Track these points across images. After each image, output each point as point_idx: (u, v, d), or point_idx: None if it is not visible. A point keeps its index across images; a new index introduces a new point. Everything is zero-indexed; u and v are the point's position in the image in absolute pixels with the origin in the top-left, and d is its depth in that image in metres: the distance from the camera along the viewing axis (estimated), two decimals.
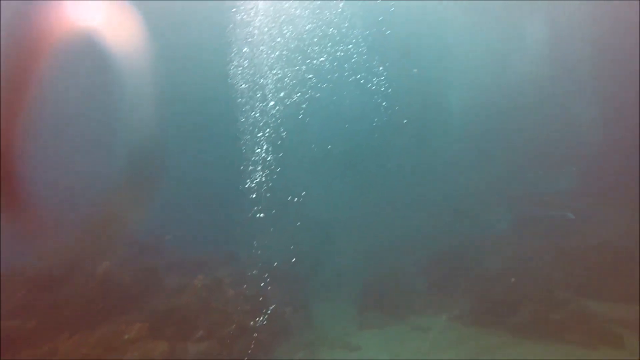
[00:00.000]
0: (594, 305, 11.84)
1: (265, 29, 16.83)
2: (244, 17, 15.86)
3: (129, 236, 12.90)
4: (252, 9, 15.89)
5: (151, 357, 8.19)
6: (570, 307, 11.15)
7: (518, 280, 13.34)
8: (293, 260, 18.40)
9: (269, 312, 12.02)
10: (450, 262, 16.22)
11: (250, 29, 16.16)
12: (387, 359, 11.19)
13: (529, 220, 18.16)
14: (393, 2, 22.29)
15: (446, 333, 12.48)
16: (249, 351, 10.40)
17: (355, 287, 17.55)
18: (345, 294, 17.78)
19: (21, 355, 8.01)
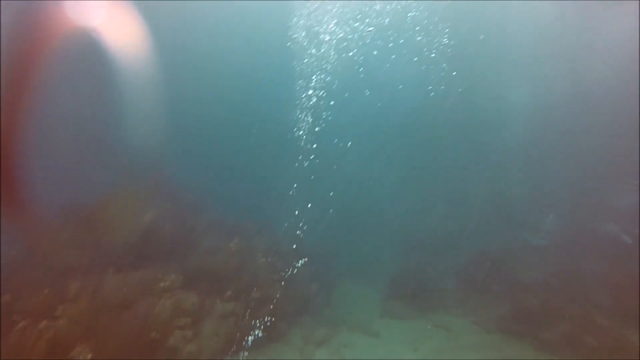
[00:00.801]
0: (635, 337, 11.11)
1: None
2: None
3: (176, 194, 13.63)
4: None
5: (181, 306, 8.74)
6: (610, 334, 10.48)
7: (557, 296, 12.68)
8: (326, 239, 18.68)
9: (295, 284, 12.34)
10: (486, 265, 15.68)
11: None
12: (403, 350, 11.19)
13: (580, 233, 17.04)
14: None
15: (469, 336, 12.24)
16: (272, 318, 10.82)
17: (384, 275, 17.55)
18: (374, 280, 17.83)
19: (70, 288, 8.79)
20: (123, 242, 9.75)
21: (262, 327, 10.17)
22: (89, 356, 7.41)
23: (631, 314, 12.34)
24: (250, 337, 9.71)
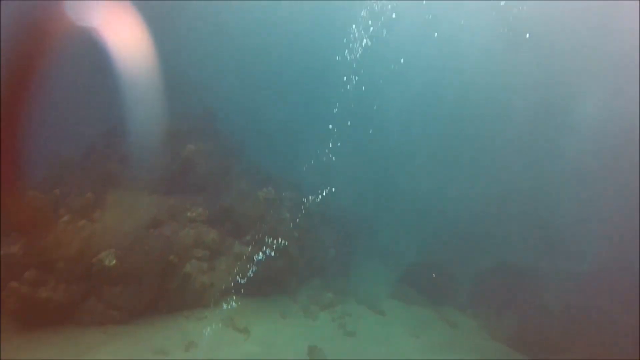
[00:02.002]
0: None
1: None
2: None
3: (219, 135, 14.09)
4: None
5: (201, 238, 9.23)
6: None
7: (572, 327, 12.10)
8: (355, 212, 18.73)
9: (314, 246, 12.57)
10: (508, 277, 15.16)
11: None
12: (403, 333, 11.24)
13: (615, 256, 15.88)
14: None
15: (473, 338, 12.05)
16: (286, 272, 11.18)
17: (403, 259, 17.47)
18: (392, 262, 17.82)
19: (109, 197, 9.51)
20: (162, 168, 10.31)
21: (273, 277, 10.55)
22: (113, 262, 8.08)
23: None
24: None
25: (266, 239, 10.47)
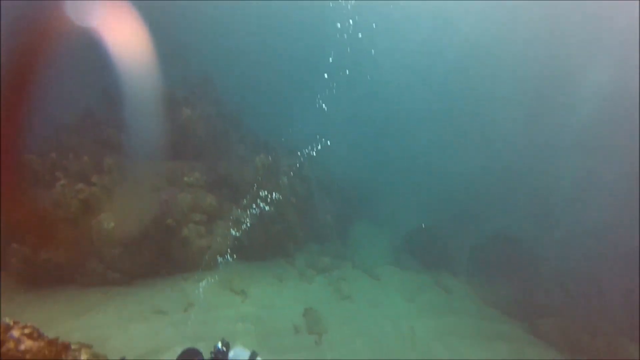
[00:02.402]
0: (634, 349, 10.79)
1: None
2: None
3: (218, 100, 13.85)
4: None
5: (199, 203, 9.27)
6: (606, 339, 10.17)
7: (565, 292, 12.36)
8: (355, 178, 18.72)
9: (312, 211, 12.64)
10: (506, 247, 15.30)
11: None
12: (398, 297, 11.48)
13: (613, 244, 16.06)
14: None
15: (465, 302, 12.34)
16: (284, 237, 11.31)
17: (402, 227, 17.62)
18: (390, 229, 17.99)
19: (106, 162, 9.48)
20: (160, 133, 10.20)
21: (270, 241, 10.68)
22: (112, 225, 8.18)
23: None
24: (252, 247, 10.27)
25: (263, 204, 10.52)
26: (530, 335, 10.88)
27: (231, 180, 10.11)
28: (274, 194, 10.62)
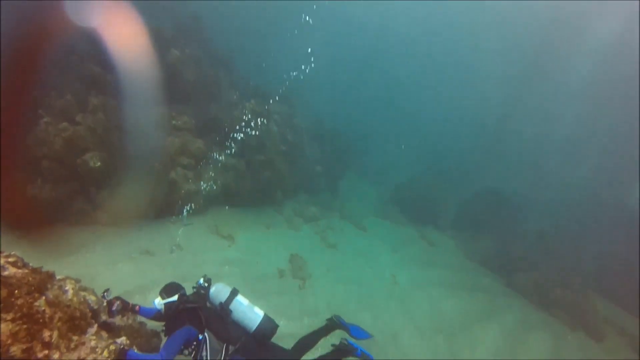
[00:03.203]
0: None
1: None
2: None
3: (207, 43, 13.21)
4: None
5: (187, 147, 9.14)
6: (577, 298, 10.68)
7: (545, 249, 12.81)
8: (346, 128, 18.53)
9: (301, 160, 12.60)
10: (491, 203, 15.60)
11: None
12: (382, 246, 11.81)
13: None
14: None
15: (447, 255, 12.78)
16: (273, 185, 11.33)
17: (392, 180, 17.81)
18: (380, 181, 18.17)
19: (91, 101, 9.18)
20: (146, 73, 9.83)
21: (259, 188, 10.71)
22: (98, 164, 8.08)
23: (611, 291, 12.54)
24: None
25: (252, 151, 10.44)
26: (506, 287, 11.42)
27: (221, 125, 9.92)
28: (264, 140, 10.51)
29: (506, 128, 23.13)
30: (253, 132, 10.32)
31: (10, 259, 3.29)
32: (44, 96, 9.27)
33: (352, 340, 4.35)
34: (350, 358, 4.22)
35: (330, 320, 4.59)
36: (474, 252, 13.24)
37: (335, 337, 4.53)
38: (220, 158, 9.78)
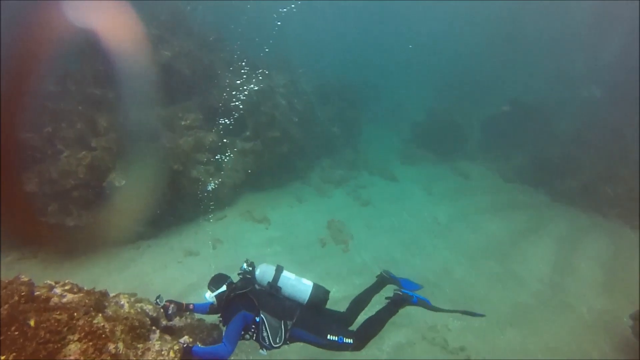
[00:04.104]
0: None
1: None
2: None
3: (194, 30, 12.93)
4: None
5: (201, 142, 9.18)
6: (629, 184, 10.16)
7: (585, 148, 12.11)
8: (353, 81, 17.98)
9: (316, 125, 12.40)
10: (518, 114, 14.82)
11: None
12: (416, 190, 11.66)
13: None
14: None
15: (483, 182, 12.49)
16: (293, 158, 11.28)
17: (409, 119, 17.34)
18: (398, 125, 17.72)
19: (100, 122, 9.31)
20: (142, 80, 9.80)
21: (281, 165, 10.70)
22: (123, 182, 8.27)
23: None
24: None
25: (265, 129, 10.35)
26: (550, 198, 11.08)
27: (228, 113, 9.83)
28: (275, 115, 10.37)
29: (520, 28, 21.44)
30: (262, 110, 10.19)
31: (66, 287, 3.50)
32: (57, 130, 9.48)
33: (406, 290, 4.34)
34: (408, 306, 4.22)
35: (380, 276, 4.58)
36: (509, 171, 12.86)
37: (387, 291, 4.55)
38: (236, 144, 9.77)
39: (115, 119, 9.30)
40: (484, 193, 11.38)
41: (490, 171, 13.29)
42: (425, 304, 4.18)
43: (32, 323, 2.58)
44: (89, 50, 11.04)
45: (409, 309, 4.22)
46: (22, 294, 2.89)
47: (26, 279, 3.15)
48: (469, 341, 5.88)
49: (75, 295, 3.43)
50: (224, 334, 3.66)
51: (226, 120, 9.60)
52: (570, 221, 9.52)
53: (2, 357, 2.35)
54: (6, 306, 2.71)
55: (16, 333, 2.48)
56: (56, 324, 2.63)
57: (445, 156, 14.30)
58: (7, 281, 3.00)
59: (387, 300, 4.23)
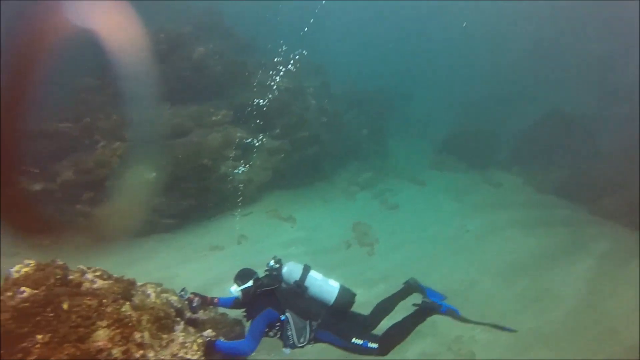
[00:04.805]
0: None
1: None
2: None
3: (228, 31, 13.12)
4: None
5: (231, 139, 9.23)
6: None
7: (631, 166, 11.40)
8: (385, 88, 17.80)
9: (345, 128, 12.31)
10: (558, 127, 14.17)
11: None
12: (445, 199, 11.34)
13: None
14: None
15: (517, 194, 11.97)
16: (321, 159, 11.22)
17: (441, 129, 16.92)
18: (428, 131, 17.37)
19: (132, 116, 9.53)
20: (175, 76, 9.99)
21: (309, 165, 10.65)
22: (153, 174, 8.42)
23: None
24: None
25: (294, 129, 10.34)
26: (591, 215, 10.46)
27: (258, 110, 9.88)
28: (304, 115, 10.35)
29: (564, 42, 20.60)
30: (291, 111, 10.19)
31: (97, 273, 3.53)
32: (95, 121, 9.77)
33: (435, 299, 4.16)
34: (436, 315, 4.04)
35: (407, 283, 4.42)
36: (546, 184, 12.26)
37: (412, 299, 4.37)
38: (265, 143, 9.79)
39: (146, 112, 9.51)
40: (517, 206, 10.86)
41: (525, 183, 12.74)
42: (454, 314, 3.99)
43: (65, 306, 2.59)
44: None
45: (434, 318, 4.03)
46: (58, 277, 2.91)
47: (61, 263, 3.18)
48: (497, 355, 5.59)
49: (105, 282, 3.45)
50: (247, 330, 3.60)
51: (258, 121, 9.60)
52: (613, 240, 8.91)
53: (39, 337, 2.35)
54: (43, 287, 2.74)
55: (51, 315, 2.49)
56: (87, 309, 2.62)
57: (476, 164, 13.82)
58: (43, 263, 3.03)
59: (415, 307, 4.06)
